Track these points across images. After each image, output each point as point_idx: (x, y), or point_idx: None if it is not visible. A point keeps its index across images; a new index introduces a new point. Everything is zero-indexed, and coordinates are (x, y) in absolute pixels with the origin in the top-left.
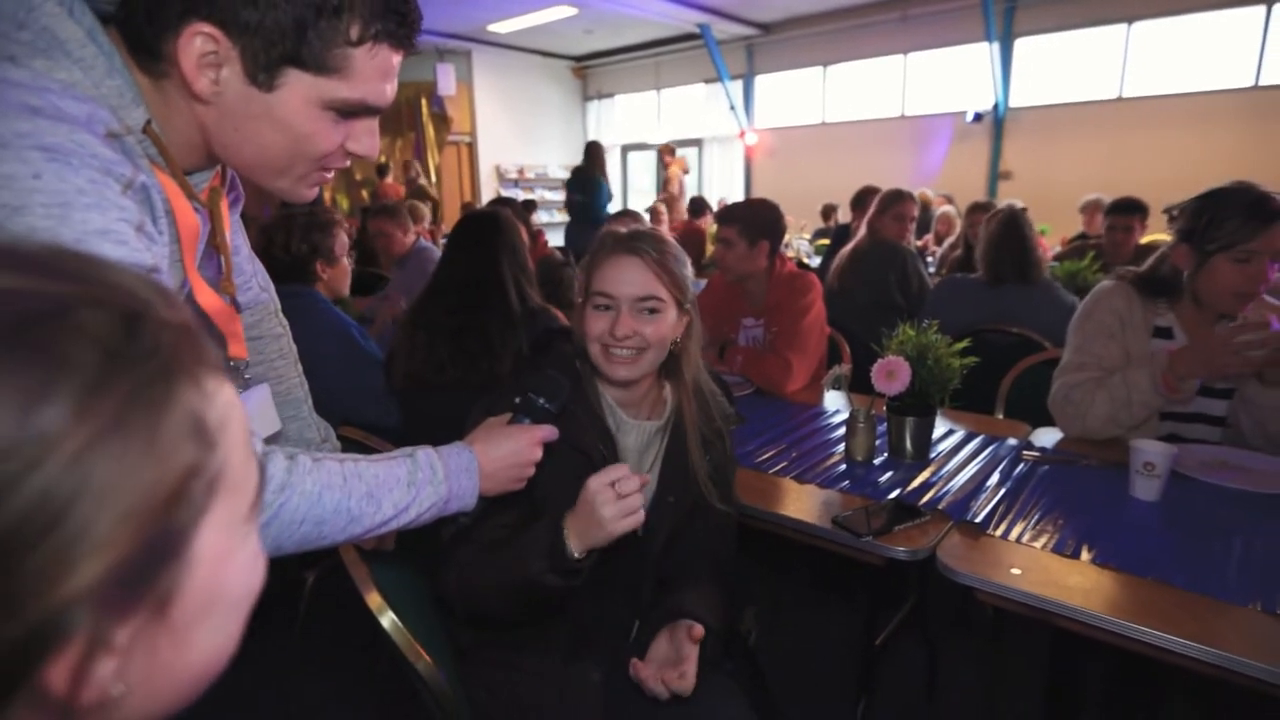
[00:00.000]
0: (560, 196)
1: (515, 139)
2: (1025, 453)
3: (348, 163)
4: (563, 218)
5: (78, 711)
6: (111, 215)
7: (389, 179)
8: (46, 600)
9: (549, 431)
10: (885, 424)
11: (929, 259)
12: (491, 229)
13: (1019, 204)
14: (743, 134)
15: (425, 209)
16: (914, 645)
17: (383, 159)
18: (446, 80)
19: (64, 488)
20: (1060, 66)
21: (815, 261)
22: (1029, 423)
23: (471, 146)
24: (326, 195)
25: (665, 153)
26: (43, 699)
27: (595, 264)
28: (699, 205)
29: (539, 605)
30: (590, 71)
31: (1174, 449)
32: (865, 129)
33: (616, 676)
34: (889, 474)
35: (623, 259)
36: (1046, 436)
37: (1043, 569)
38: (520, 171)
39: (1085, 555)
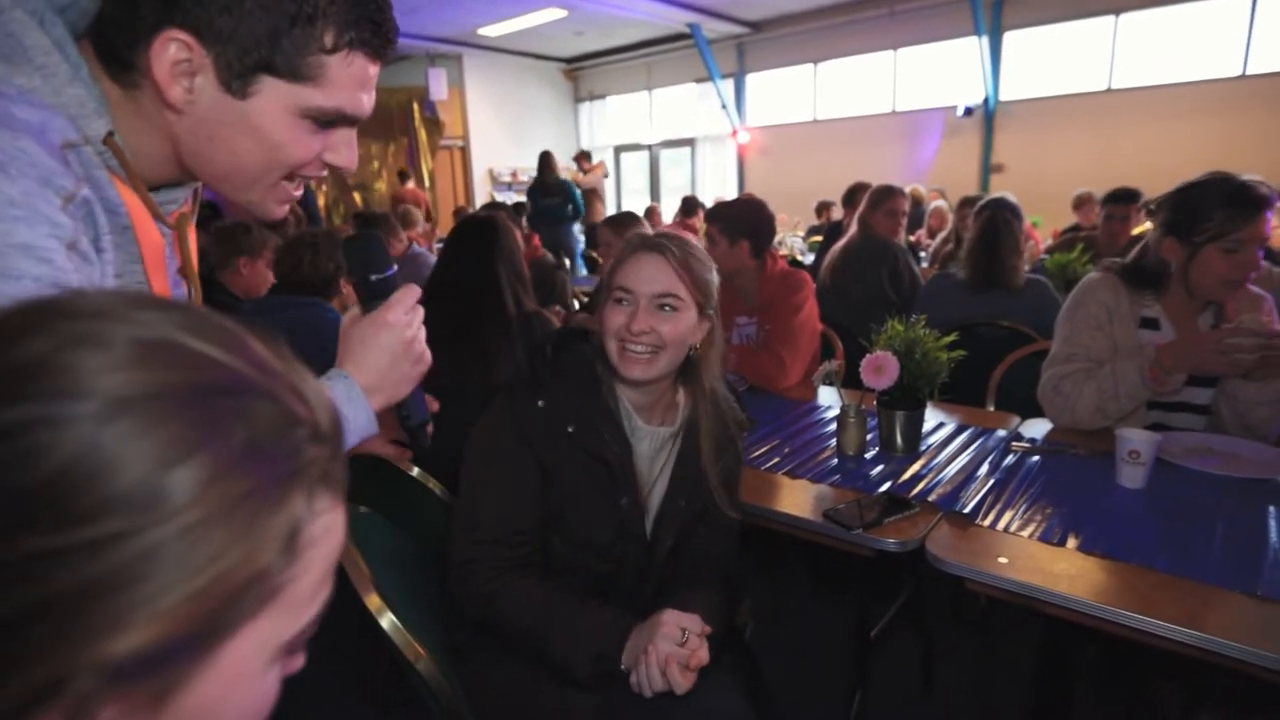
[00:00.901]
0: (554, 199)
1: (508, 142)
2: (1014, 444)
3: (324, 173)
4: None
5: None
6: (41, 230)
7: (410, 185)
8: (88, 650)
9: (409, 293)
10: (876, 418)
11: (922, 254)
12: (488, 234)
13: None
14: (735, 132)
15: (418, 214)
16: (909, 637)
17: (425, 165)
18: (438, 85)
19: (167, 552)
20: (1049, 59)
21: (810, 259)
22: (1020, 414)
23: (464, 150)
24: (321, 201)
25: (582, 159)
26: None
27: (620, 261)
28: (691, 204)
29: (554, 668)
30: (581, 73)
31: (1158, 437)
32: (857, 125)
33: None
34: (880, 467)
35: (645, 256)
36: (1036, 427)
37: (1030, 557)
38: (514, 174)
39: (1071, 543)
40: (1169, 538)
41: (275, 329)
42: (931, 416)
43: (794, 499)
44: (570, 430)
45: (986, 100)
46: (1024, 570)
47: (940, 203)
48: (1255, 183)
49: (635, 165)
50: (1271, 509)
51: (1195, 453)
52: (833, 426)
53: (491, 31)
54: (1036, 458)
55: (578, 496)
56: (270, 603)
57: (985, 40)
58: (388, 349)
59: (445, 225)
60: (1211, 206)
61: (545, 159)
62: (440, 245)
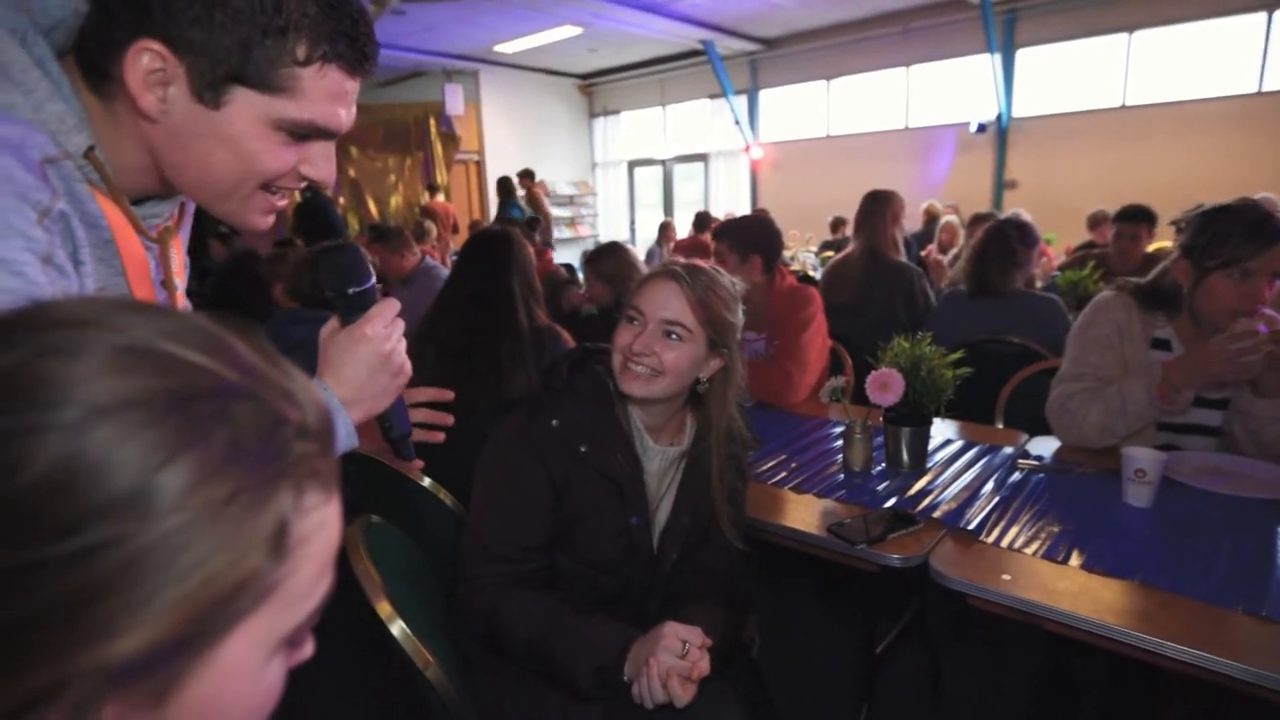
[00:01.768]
0: (568, 213)
1: (522, 156)
2: (1020, 461)
3: (301, 185)
4: (570, 234)
5: None
6: (15, 244)
7: (439, 197)
8: (86, 654)
9: (389, 306)
10: (883, 434)
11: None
12: (502, 247)
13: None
14: (748, 148)
15: (433, 227)
16: (915, 652)
17: (440, 178)
18: (454, 100)
19: (154, 556)
20: (1063, 76)
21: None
22: (1030, 431)
23: (479, 164)
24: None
25: (524, 178)
26: None
27: (641, 282)
28: (703, 219)
29: (558, 679)
30: (596, 89)
31: (1165, 455)
32: (870, 141)
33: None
34: (886, 483)
35: (663, 281)
36: (1044, 445)
37: (1033, 574)
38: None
39: (1074, 560)
40: (1174, 556)
41: (293, 344)
42: (939, 433)
43: (799, 514)
44: (583, 449)
45: (999, 117)
46: (1026, 587)
47: (952, 218)
48: None
49: (649, 180)
50: None
51: (1204, 472)
52: (840, 442)
53: (508, 48)
54: (1043, 475)
55: (587, 515)
56: (265, 600)
57: (998, 57)
58: (365, 362)
59: (461, 239)
60: (1229, 232)
61: (509, 184)
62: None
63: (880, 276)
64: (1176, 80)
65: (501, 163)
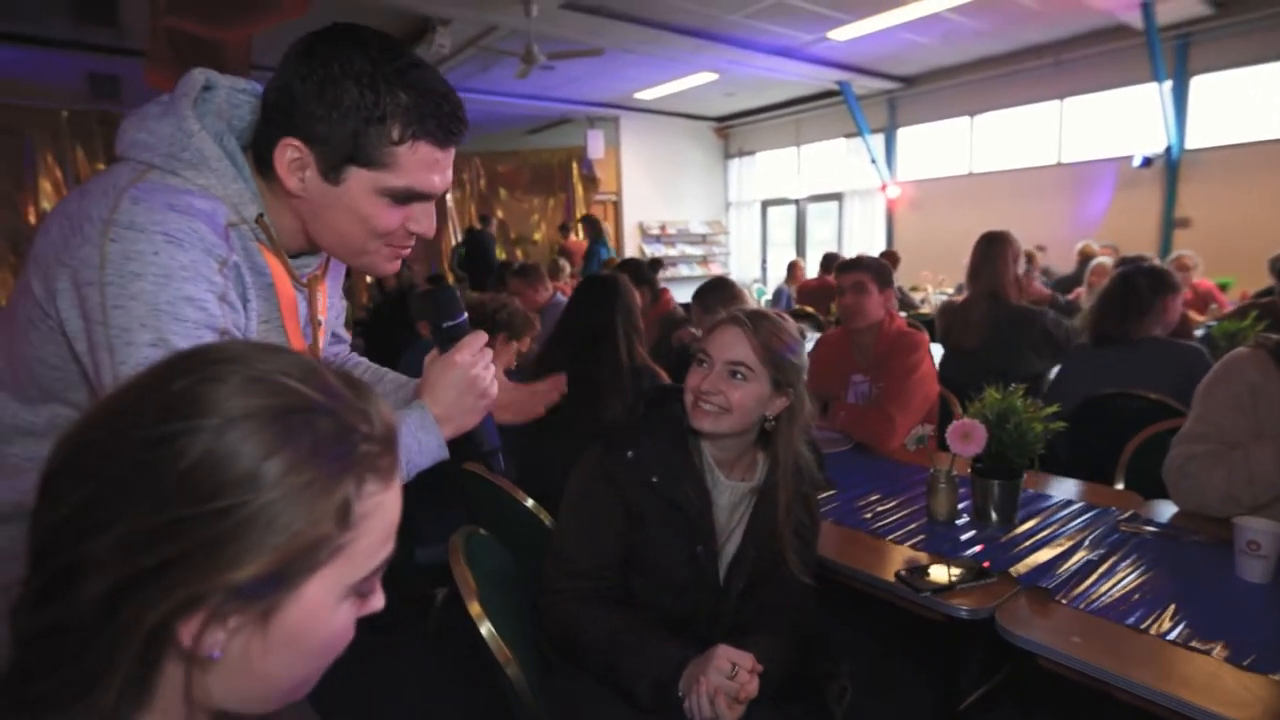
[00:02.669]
0: (700, 251)
1: (658, 197)
2: (1123, 524)
3: (412, 241)
4: (702, 272)
5: (192, 658)
6: (201, 286)
7: (572, 237)
8: (218, 577)
9: (478, 338)
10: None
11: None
12: (610, 292)
13: (1191, 255)
14: (884, 187)
15: (566, 265)
16: (1002, 716)
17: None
18: (595, 145)
19: (260, 516)
20: (1247, 103)
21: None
22: (1156, 495)
23: (617, 205)
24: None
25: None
26: (175, 645)
27: (709, 330)
28: (832, 261)
29: (619, 689)
30: (732, 131)
31: None
32: (1017, 178)
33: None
34: (968, 535)
35: (727, 327)
36: (1164, 509)
37: (1107, 639)
38: (663, 227)
39: (1157, 630)
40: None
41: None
42: (1043, 489)
43: (872, 558)
44: (654, 480)
45: (1169, 149)
46: (1097, 652)
47: (1104, 259)
48: None
49: (781, 219)
50: None
51: None
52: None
53: (647, 95)
54: (1146, 540)
55: (657, 540)
56: (336, 556)
57: (1167, 85)
58: (455, 385)
59: None
60: None
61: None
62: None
63: (1005, 322)
64: None
65: (638, 203)
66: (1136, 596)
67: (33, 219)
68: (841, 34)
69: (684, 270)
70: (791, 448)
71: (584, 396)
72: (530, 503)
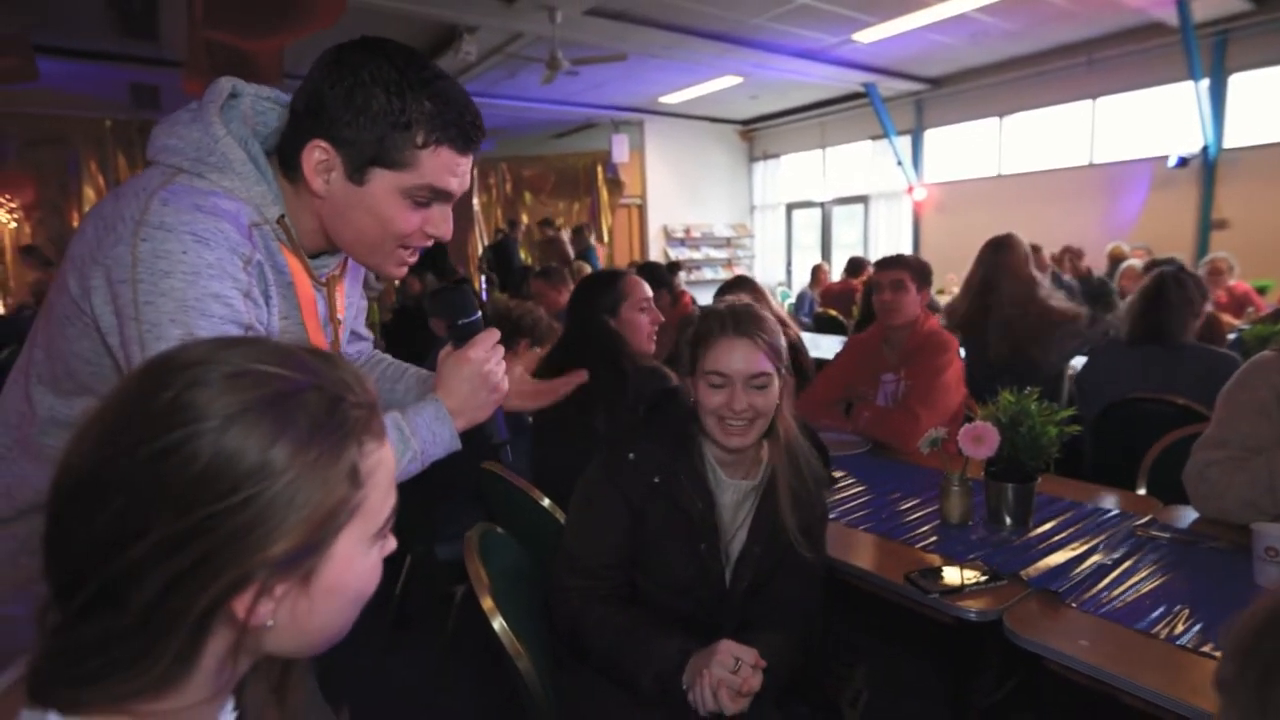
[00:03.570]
0: (725, 254)
1: (683, 200)
2: (1139, 529)
3: (429, 243)
4: (726, 274)
5: (246, 629)
6: (226, 284)
7: (590, 240)
8: (256, 556)
9: (490, 335)
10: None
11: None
12: (603, 286)
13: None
14: (910, 189)
15: (587, 268)
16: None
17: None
18: (620, 149)
19: (280, 498)
20: None
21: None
22: (1179, 500)
23: (642, 208)
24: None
25: (544, 227)
26: (228, 616)
27: (707, 345)
28: (857, 265)
29: (623, 682)
30: (756, 134)
31: None
32: (1047, 180)
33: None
34: (980, 538)
35: (735, 341)
36: (1184, 515)
37: (1117, 644)
38: (687, 231)
39: (1169, 635)
40: None
41: None
42: (1062, 493)
43: (881, 559)
44: (656, 481)
45: (1206, 149)
46: (1106, 657)
47: (1134, 262)
48: None
49: (807, 222)
50: None
51: None
52: None
53: (672, 99)
54: (1162, 546)
55: (661, 540)
56: (355, 515)
57: (1204, 84)
58: (469, 379)
59: None
60: None
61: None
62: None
63: (1030, 329)
64: None
65: (662, 207)
66: (1149, 601)
67: (75, 223)
68: (867, 36)
69: (708, 274)
70: (785, 419)
71: (593, 399)
72: (546, 502)
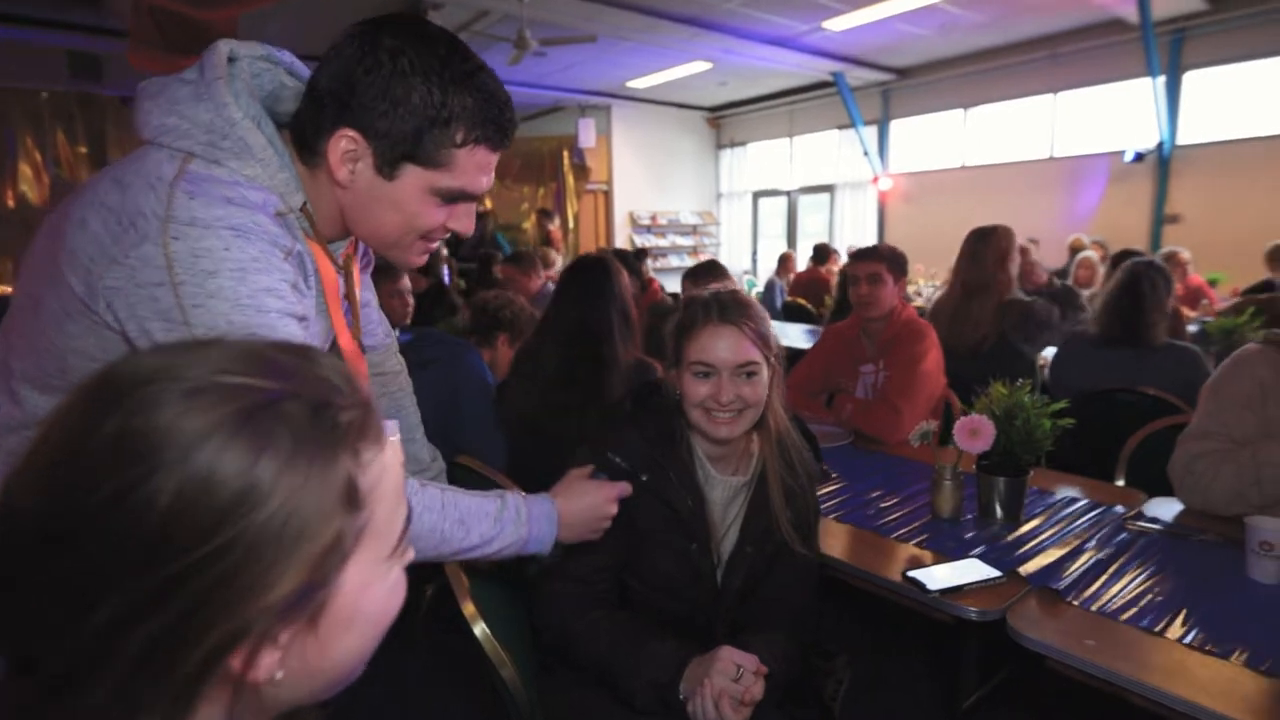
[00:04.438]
0: (691, 241)
1: (649, 187)
2: (1129, 522)
3: (448, 235)
4: (692, 262)
5: (247, 687)
6: (275, 276)
7: (552, 226)
8: (250, 606)
9: (623, 488)
10: (976, 483)
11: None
12: (603, 279)
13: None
14: (876, 179)
15: (556, 255)
16: (1005, 715)
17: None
18: (587, 133)
19: (267, 534)
20: (1239, 99)
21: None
22: (1157, 492)
23: (608, 195)
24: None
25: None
26: (225, 674)
27: (691, 334)
28: (823, 252)
29: (617, 692)
30: (724, 121)
31: None
32: (1010, 172)
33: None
34: (974, 534)
35: (720, 328)
36: (1165, 507)
37: (1123, 644)
38: (653, 217)
39: (1173, 633)
40: None
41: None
42: (1048, 486)
43: (877, 557)
44: (644, 478)
45: (1161, 145)
46: (1113, 656)
47: (1088, 253)
48: None
49: (773, 211)
50: None
51: None
52: None
53: (640, 84)
54: (1154, 539)
55: (651, 540)
56: (361, 539)
57: (1161, 81)
58: (589, 509)
59: None
60: None
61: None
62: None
63: (999, 318)
64: None
65: (629, 193)
66: (1148, 598)
67: (11, 203)
68: (837, 24)
69: (674, 261)
70: (776, 411)
71: (578, 404)
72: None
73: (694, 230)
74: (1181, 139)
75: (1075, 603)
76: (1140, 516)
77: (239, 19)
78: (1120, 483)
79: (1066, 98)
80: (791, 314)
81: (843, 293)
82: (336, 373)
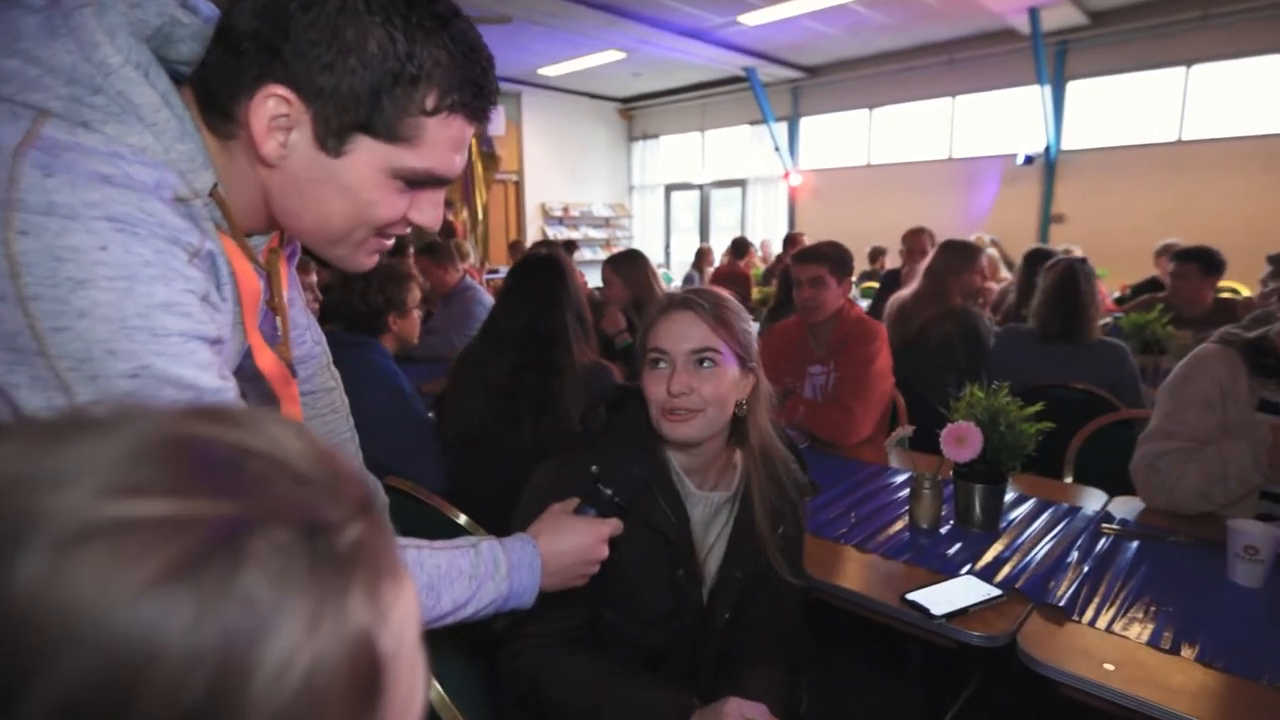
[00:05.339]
0: (604, 234)
1: (561, 178)
2: (1105, 526)
3: (408, 230)
4: (606, 255)
5: None
6: (176, 287)
7: (449, 215)
8: None
9: (615, 526)
10: (952, 489)
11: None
12: (554, 276)
13: (1078, 253)
14: (787, 175)
15: (467, 247)
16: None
17: (480, 197)
18: (497, 121)
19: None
20: (1116, 108)
21: (864, 305)
22: (1098, 486)
23: (518, 185)
24: None
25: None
26: None
27: (652, 324)
28: (741, 246)
29: None
30: (636, 113)
31: (1278, 530)
32: (912, 171)
33: None
34: (957, 545)
35: (676, 314)
36: (1124, 506)
37: (1139, 665)
38: (565, 209)
39: (1186, 651)
40: None
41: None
42: (1009, 488)
43: (864, 576)
44: (626, 501)
45: (1048, 149)
46: (1134, 681)
47: (991, 252)
48: None
49: (686, 204)
50: None
51: None
52: (904, 494)
53: (551, 71)
54: (1133, 543)
55: (632, 568)
56: None
57: (1048, 89)
58: (577, 551)
59: (498, 258)
60: None
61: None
62: (490, 278)
63: (949, 323)
64: (1237, 116)
65: (540, 184)
66: (1146, 610)
67: None
68: (752, 19)
69: (587, 254)
70: (760, 427)
71: (524, 412)
72: (464, 519)
73: (607, 223)
74: (1066, 144)
75: (1079, 620)
76: (1109, 518)
77: None
78: (1069, 479)
79: (964, 101)
80: None
81: (784, 290)
82: (308, 456)
